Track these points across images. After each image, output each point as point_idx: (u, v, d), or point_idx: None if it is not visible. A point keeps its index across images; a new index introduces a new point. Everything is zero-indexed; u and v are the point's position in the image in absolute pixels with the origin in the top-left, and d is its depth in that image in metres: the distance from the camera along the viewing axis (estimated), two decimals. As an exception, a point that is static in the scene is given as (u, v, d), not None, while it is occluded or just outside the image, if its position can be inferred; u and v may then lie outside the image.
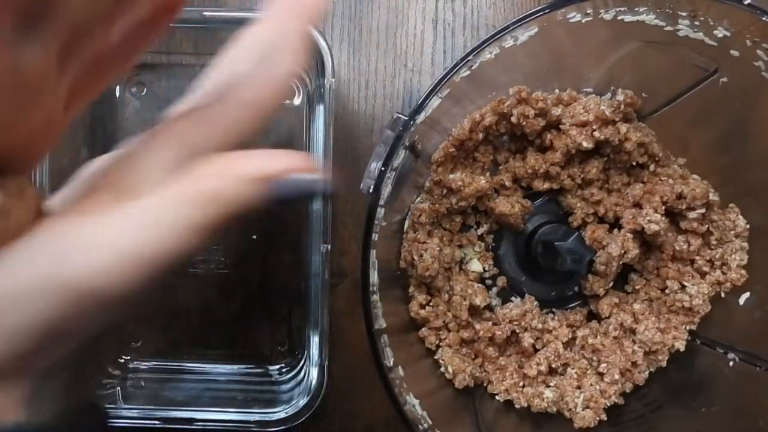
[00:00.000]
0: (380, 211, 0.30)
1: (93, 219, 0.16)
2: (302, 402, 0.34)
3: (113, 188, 0.18)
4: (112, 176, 0.18)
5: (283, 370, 0.39)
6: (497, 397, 0.35)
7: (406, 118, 0.29)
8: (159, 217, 0.16)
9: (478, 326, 0.35)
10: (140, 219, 0.16)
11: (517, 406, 0.35)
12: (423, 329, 0.35)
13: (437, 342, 0.35)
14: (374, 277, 0.31)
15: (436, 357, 0.35)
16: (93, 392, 0.21)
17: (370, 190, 0.29)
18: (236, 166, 0.17)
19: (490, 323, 0.36)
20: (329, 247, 0.34)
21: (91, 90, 0.19)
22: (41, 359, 0.17)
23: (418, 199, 0.35)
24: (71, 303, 0.16)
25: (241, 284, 0.39)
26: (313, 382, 0.34)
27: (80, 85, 0.18)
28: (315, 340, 0.34)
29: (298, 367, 0.38)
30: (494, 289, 0.38)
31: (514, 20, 0.29)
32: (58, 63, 0.16)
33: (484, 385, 0.36)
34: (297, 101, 0.39)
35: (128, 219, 0.16)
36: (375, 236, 0.30)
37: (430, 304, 0.35)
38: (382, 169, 0.29)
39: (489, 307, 0.37)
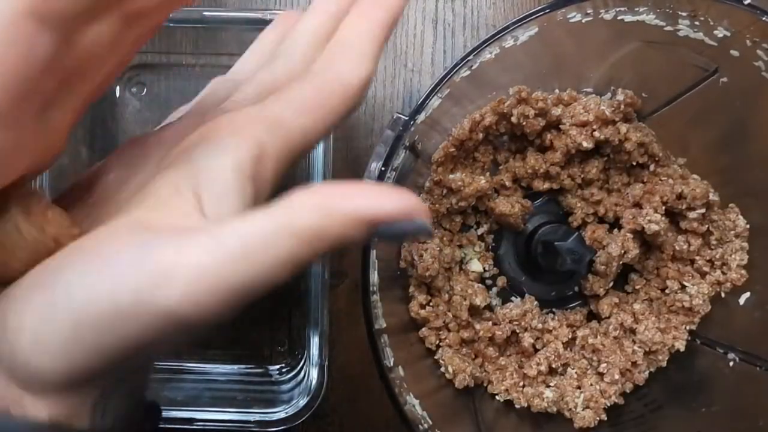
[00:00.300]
0: (380, 211, 0.30)
1: (180, 239, 0.15)
2: (302, 402, 0.34)
3: (185, 193, 0.17)
4: (180, 176, 0.17)
5: (283, 370, 0.39)
6: (497, 397, 0.35)
7: (406, 118, 0.29)
8: (253, 247, 0.15)
9: (478, 326, 0.35)
10: (232, 248, 0.15)
11: (517, 406, 0.35)
12: (423, 329, 0.35)
13: (437, 342, 0.35)
14: (374, 277, 0.31)
15: (436, 357, 0.35)
16: (149, 392, 0.22)
17: (370, 190, 0.29)
18: (343, 203, 0.16)
19: (490, 323, 0.36)
20: (329, 247, 0.34)
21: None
22: (120, 372, 0.18)
23: (418, 199, 0.35)
24: (160, 327, 0.15)
25: (241, 284, 0.39)
26: (313, 382, 0.34)
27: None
28: (315, 340, 0.34)
29: (298, 367, 0.38)
30: (494, 289, 0.38)
31: (514, 20, 0.29)
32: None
33: (484, 385, 0.36)
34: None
35: (220, 247, 0.15)
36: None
37: (430, 304, 0.35)
38: (382, 169, 0.29)
39: (489, 307, 0.37)
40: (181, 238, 0.15)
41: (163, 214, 0.17)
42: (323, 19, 0.21)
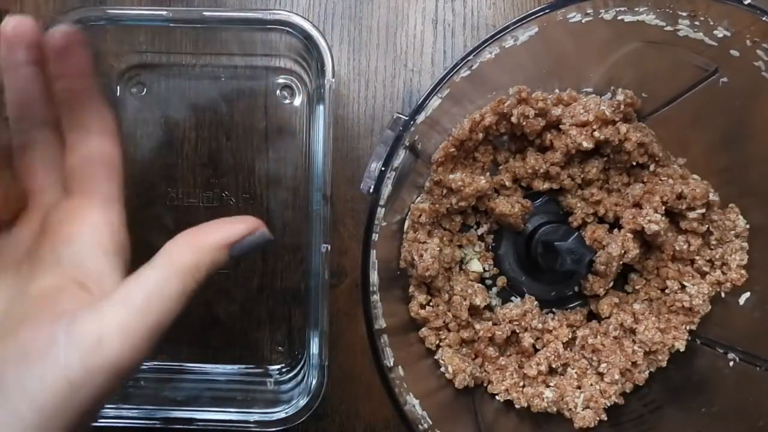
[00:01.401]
0: (380, 211, 0.30)
1: (97, 312, 0.21)
2: (302, 402, 0.34)
3: (75, 291, 0.22)
4: (58, 280, 0.23)
5: (283, 370, 0.39)
6: (497, 397, 0.35)
7: (406, 118, 0.29)
8: (154, 295, 0.21)
9: (478, 326, 0.35)
10: (140, 301, 0.21)
11: (517, 406, 0.35)
12: (423, 329, 0.35)
13: (437, 342, 0.35)
14: (374, 277, 0.31)
15: (436, 357, 0.35)
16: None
17: (370, 190, 0.29)
18: (205, 239, 0.22)
19: (490, 323, 0.36)
20: (329, 247, 0.34)
21: None
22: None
23: (418, 199, 0.35)
24: (110, 380, 0.20)
25: (241, 284, 0.39)
26: (313, 382, 0.34)
27: None
28: (315, 341, 0.34)
29: (298, 368, 0.39)
30: (494, 289, 0.38)
31: (514, 20, 0.29)
32: None
33: (484, 385, 0.36)
34: (297, 101, 0.39)
35: (131, 305, 0.21)
36: (375, 236, 0.30)
37: (430, 304, 0.35)
38: (382, 169, 0.29)
39: (489, 307, 0.37)
40: (98, 311, 0.21)
41: (68, 304, 0.22)
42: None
